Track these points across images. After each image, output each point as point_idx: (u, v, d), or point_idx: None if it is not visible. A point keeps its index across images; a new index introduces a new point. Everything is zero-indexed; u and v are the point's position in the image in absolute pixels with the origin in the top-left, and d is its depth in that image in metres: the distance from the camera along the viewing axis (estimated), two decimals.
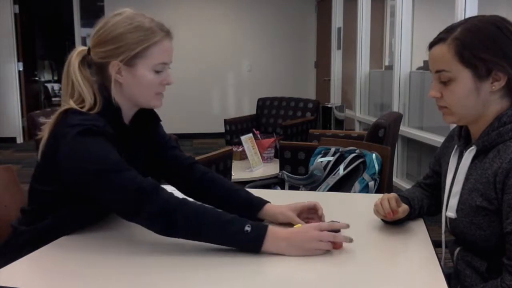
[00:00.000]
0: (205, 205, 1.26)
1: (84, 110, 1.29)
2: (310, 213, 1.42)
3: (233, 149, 3.57)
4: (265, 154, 3.82)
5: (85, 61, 1.35)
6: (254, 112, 6.10)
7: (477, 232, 1.17)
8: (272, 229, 1.18)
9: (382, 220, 1.40)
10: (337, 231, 1.22)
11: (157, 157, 1.52)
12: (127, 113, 1.39)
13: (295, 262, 1.15)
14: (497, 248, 1.14)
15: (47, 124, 1.31)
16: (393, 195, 1.36)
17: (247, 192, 1.48)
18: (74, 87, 1.32)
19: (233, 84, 8.33)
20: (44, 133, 1.31)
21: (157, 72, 1.33)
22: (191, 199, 1.33)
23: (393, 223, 1.39)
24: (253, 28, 8.19)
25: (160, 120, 1.54)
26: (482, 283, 1.18)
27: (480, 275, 1.21)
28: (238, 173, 3.47)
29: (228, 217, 1.20)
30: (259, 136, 3.95)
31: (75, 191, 1.26)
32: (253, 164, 3.55)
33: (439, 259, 1.17)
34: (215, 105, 8.31)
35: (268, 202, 1.43)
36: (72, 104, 1.30)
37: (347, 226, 1.23)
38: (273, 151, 3.89)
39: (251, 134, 3.71)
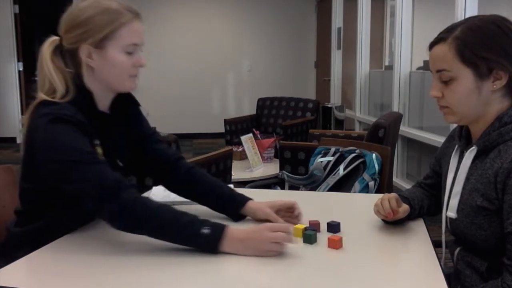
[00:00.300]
0: (167, 205, 1.24)
1: (56, 100, 1.28)
2: (288, 212, 1.43)
3: (233, 149, 3.57)
4: (265, 154, 3.82)
5: (58, 50, 1.34)
6: (254, 112, 6.10)
7: (478, 232, 1.17)
8: (230, 230, 1.19)
9: (383, 220, 1.40)
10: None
11: (143, 152, 1.51)
12: (102, 99, 1.38)
13: (300, 259, 1.16)
14: (497, 248, 1.14)
15: (24, 121, 1.31)
16: (393, 195, 1.36)
17: (231, 189, 1.49)
18: (46, 78, 1.31)
19: (233, 84, 8.33)
20: (24, 131, 1.31)
21: (129, 53, 1.32)
22: (154, 199, 1.33)
23: (393, 223, 1.39)
24: (253, 28, 8.19)
25: (139, 105, 1.52)
26: (482, 283, 1.18)
27: (480, 275, 1.21)
28: (238, 173, 3.47)
29: (187, 218, 1.20)
30: (259, 136, 3.95)
31: (50, 184, 1.26)
32: (253, 164, 3.55)
33: (439, 259, 1.17)
34: (215, 105, 8.31)
35: (250, 199, 1.44)
36: (43, 96, 1.29)
37: (288, 228, 1.22)
38: (273, 151, 3.89)
39: (251, 134, 3.71)
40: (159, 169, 1.52)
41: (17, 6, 7.47)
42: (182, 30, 8.02)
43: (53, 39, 1.35)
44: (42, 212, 1.33)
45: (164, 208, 1.22)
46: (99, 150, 1.32)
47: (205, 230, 1.18)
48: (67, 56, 1.34)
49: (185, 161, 1.54)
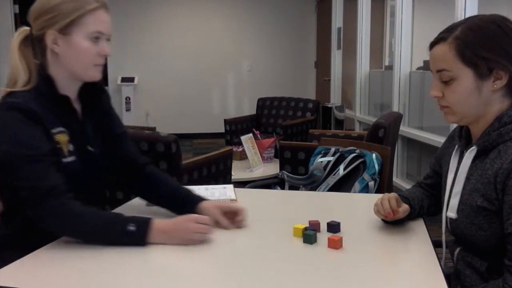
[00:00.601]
0: (93, 210, 1.29)
1: (17, 89, 1.31)
2: (234, 216, 1.45)
3: (233, 149, 3.58)
4: (265, 154, 3.82)
5: (28, 40, 1.37)
6: (254, 112, 6.10)
7: (478, 232, 1.17)
8: (154, 223, 1.27)
9: (382, 220, 1.40)
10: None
11: (113, 149, 1.53)
12: (67, 87, 1.39)
13: (300, 259, 1.15)
14: (497, 249, 1.14)
15: None
16: (393, 195, 1.36)
17: (188, 190, 1.54)
18: (11, 68, 1.34)
19: (233, 84, 8.33)
20: None
21: (93, 41, 1.35)
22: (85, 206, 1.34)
23: (393, 223, 1.39)
24: (253, 28, 8.19)
25: (105, 92, 1.54)
26: (482, 283, 1.18)
27: (480, 275, 1.21)
28: (238, 173, 3.47)
29: (112, 220, 1.28)
30: (259, 136, 3.95)
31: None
32: (253, 164, 3.55)
33: (439, 259, 1.17)
34: (215, 105, 8.31)
35: (204, 199, 1.49)
36: (3, 89, 1.32)
37: (209, 222, 1.31)
38: (273, 151, 3.89)
39: (251, 134, 3.71)
40: (125, 170, 1.56)
41: (17, 6, 7.47)
42: (182, 30, 8.02)
43: (23, 29, 1.38)
44: (19, 212, 1.33)
45: (89, 213, 1.27)
46: (63, 137, 1.34)
47: (131, 228, 1.25)
48: (36, 44, 1.36)
49: (150, 166, 1.59)
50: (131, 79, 7.79)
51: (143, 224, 1.26)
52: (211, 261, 1.20)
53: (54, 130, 1.32)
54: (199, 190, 1.76)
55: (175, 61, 8.02)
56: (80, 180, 1.37)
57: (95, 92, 1.48)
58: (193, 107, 8.15)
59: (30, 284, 1.06)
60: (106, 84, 7.96)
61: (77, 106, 1.43)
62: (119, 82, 7.76)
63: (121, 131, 1.56)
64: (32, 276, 1.10)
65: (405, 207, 1.36)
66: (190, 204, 1.47)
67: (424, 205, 1.46)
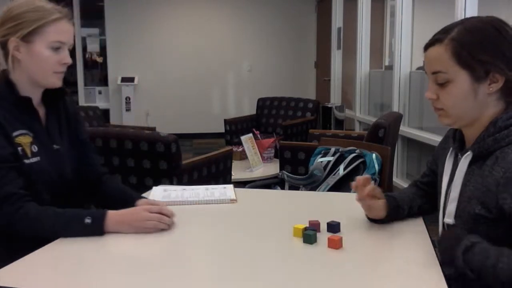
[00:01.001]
0: (48, 210, 1.34)
1: None
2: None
3: (233, 149, 3.58)
4: (265, 154, 3.82)
5: None
6: (254, 112, 6.10)
7: None
8: (109, 214, 1.35)
9: (370, 219, 1.40)
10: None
11: (77, 155, 1.57)
12: (29, 91, 1.43)
13: (300, 259, 1.15)
14: None
15: None
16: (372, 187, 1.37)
17: (134, 194, 1.60)
18: None
19: (233, 84, 8.33)
20: None
21: (54, 50, 1.40)
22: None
23: (381, 222, 1.39)
24: (253, 28, 8.19)
25: (68, 94, 1.58)
26: (482, 283, 1.17)
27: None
28: (238, 173, 3.47)
29: (69, 215, 1.34)
30: (259, 136, 3.95)
31: None
32: (253, 164, 3.55)
33: (439, 259, 1.17)
34: (215, 105, 8.31)
35: (142, 197, 1.56)
36: None
37: (172, 214, 1.40)
38: (273, 151, 3.89)
39: (251, 134, 3.71)
40: (85, 177, 1.59)
41: None
42: (182, 30, 8.02)
43: None
44: None
45: (46, 214, 1.33)
46: (24, 139, 1.38)
47: (87, 220, 1.32)
48: (0, 48, 1.41)
49: (106, 176, 1.65)
50: (131, 79, 7.78)
51: (99, 216, 1.34)
52: (211, 261, 1.20)
53: (16, 133, 1.37)
54: (199, 190, 1.76)
55: (175, 61, 8.02)
56: (48, 179, 1.42)
57: (58, 95, 1.52)
58: (193, 107, 8.15)
59: (30, 284, 1.06)
60: (106, 84, 7.97)
61: (40, 109, 1.48)
62: (119, 82, 7.75)
63: (86, 137, 1.63)
64: (32, 276, 1.10)
65: (380, 202, 1.37)
66: (130, 201, 1.51)
67: (414, 204, 1.45)
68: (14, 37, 1.36)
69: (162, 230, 1.36)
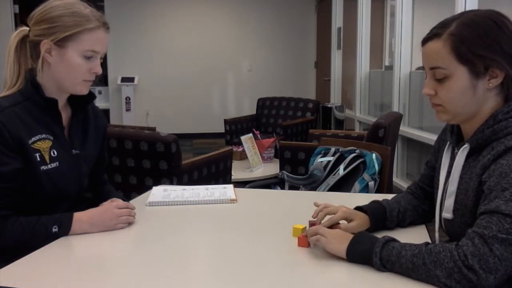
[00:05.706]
0: (16, 221, 1.30)
1: (4, 90, 1.34)
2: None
3: (233, 149, 3.58)
4: (265, 154, 3.82)
5: (25, 41, 1.38)
6: (254, 112, 6.10)
7: None
8: (76, 216, 1.34)
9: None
10: None
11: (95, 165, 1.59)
12: (54, 95, 1.40)
13: (299, 259, 1.15)
14: None
15: None
16: (339, 214, 1.35)
17: (115, 192, 1.65)
18: (4, 68, 1.37)
19: (233, 84, 8.33)
20: None
21: (87, 59, 1.36)
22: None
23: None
24: (253, 28, 8.19)
25: (95, 97, 1.55)
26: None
27: None
28: (238, 173, 3.47)
29: (35, 226, 1.31)
30: (259, 136, 3.95)
31: None
32: (253, 164, 3.55)
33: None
34: (215, 105, 8.31)
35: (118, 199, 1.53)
36: None
37: (133, 207, 1.43)
38: (273, 151, 3.89)
39: (251, 134, 3.71)
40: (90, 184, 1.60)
41: (17, 6, 7.47)
42: (182, 30, 8.02)
43: (22, 29, 1.39)
44: None
45: (10, 228, 1.29)
46: (43, 144, 1.35)
47: (54, 229, 1.31)
48: (31, 46, 1.38)
49: (105, 186, 1.68)
50: (131, 79, 7.79)
51: (65, 220, 1.33)
52: (211, 261, 1.20)
53: (35, 138, 1.33)
54: (199, 190, 1.76)
55: (175, 61, 8.02)
56: (64, 183, 1.40)
57: (86, 99, 1.49)
58: (193, 107, 8.15)
59: (30, 284, 1.06)
60: (106, 84, 7.97)
61: (64, 112, 1.45)
62: (119, 82, 7.76)
63: (104, 154, 1.64)
64: (32, 276, 1.10)
65: (353, 224, 1.32)
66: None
67: (406, 217, 1.39)
68: (48, 39, 1.32)
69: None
